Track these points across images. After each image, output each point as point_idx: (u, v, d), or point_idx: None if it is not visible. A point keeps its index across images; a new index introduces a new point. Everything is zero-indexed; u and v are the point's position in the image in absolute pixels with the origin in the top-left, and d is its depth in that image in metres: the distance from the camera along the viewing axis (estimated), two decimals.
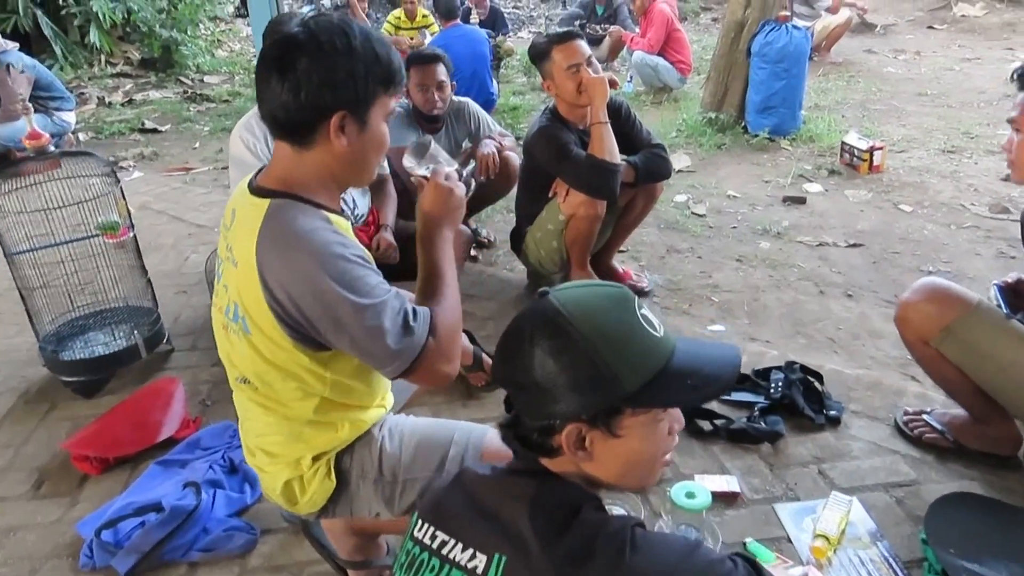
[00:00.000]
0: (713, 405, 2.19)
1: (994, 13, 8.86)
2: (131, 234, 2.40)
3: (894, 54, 7.61)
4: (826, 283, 3.07)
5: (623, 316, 0.91)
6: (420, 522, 0.96)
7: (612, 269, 2.98)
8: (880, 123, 5.26)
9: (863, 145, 4.31)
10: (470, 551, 0.88)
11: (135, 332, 2.44)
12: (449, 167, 1.42)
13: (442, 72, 2.97)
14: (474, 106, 3.17)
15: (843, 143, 4.45)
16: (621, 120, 2.66)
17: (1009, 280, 1.90)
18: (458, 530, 0.91)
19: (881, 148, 4.31)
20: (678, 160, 4.59)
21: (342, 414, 1.36)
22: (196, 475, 1.91)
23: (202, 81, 7.57)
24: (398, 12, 7.22)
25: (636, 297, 0.95)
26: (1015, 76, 1.67)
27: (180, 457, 2.01)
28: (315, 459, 1.36)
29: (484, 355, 2.32)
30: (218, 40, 9.25)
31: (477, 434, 1.43)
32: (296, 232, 1.19)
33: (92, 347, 2.41)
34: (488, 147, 2.97)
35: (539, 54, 2.60)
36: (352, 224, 2.62)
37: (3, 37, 4.83)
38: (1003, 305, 1.82)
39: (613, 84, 2.64)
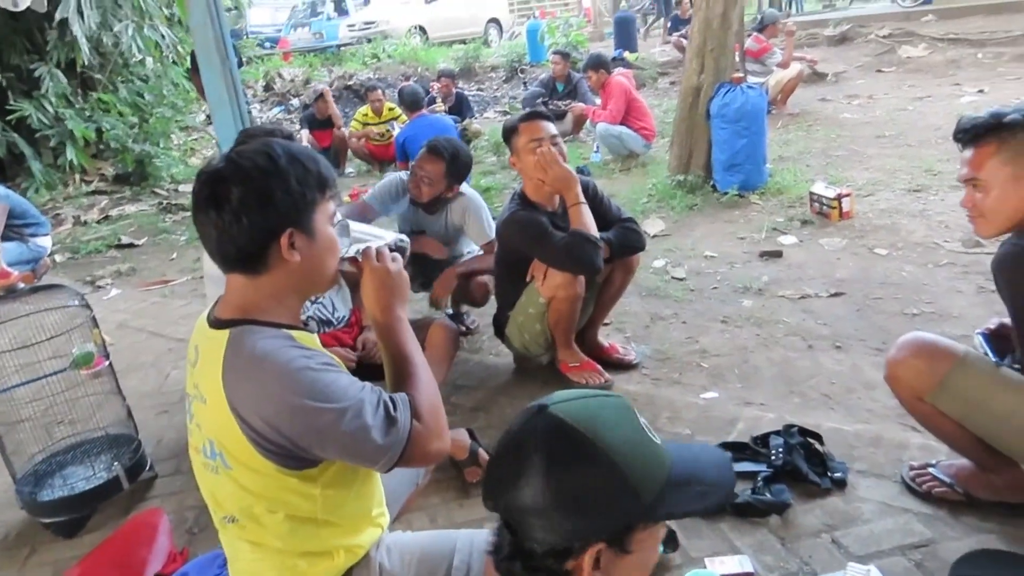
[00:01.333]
0: None
1: (937, 52, 9.24)
2: (106, 363, 2.35)
3: (848, 100, 7.87)
4: (813, 336, 3.07)
5: (631, 426, 0.90)
6: None
7: (598, 345, 2.96)
8: (844, 169, 5.38)
9: (831, 193, 4.39)
10: None
11: (116, 463, 2.36)
12: (379, 241, 1.39)
13: (434, 170, 2.99)
14: (473, 207, 3.11)
15: (811, 193, 4.54)
16: (590, 198, 2.69)
17: (992, 326, 1.90)
18: None
19: (849, 194, 4.39)
20: (652, 225, 4.65)
21: (336, 541, 1.31)
22: None
23: (176, 191, 7.64)
24: (365, 109, 7.43)
25: (630, 403, 0.93)
26: (957, 135, 1.70)
27: None
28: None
29: (480, 449, 2.27)
30: (191, 149, 9.40)
31: (479, 540, 1.37)
32: (259, 356, 1.18)
33: (71, 483, 2.32)
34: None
35: (508, 131, 2.68)
36: (334, 327, 2.66)
37: None
38: (990, 352, 1.81)
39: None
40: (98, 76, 7.87)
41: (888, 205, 4.52)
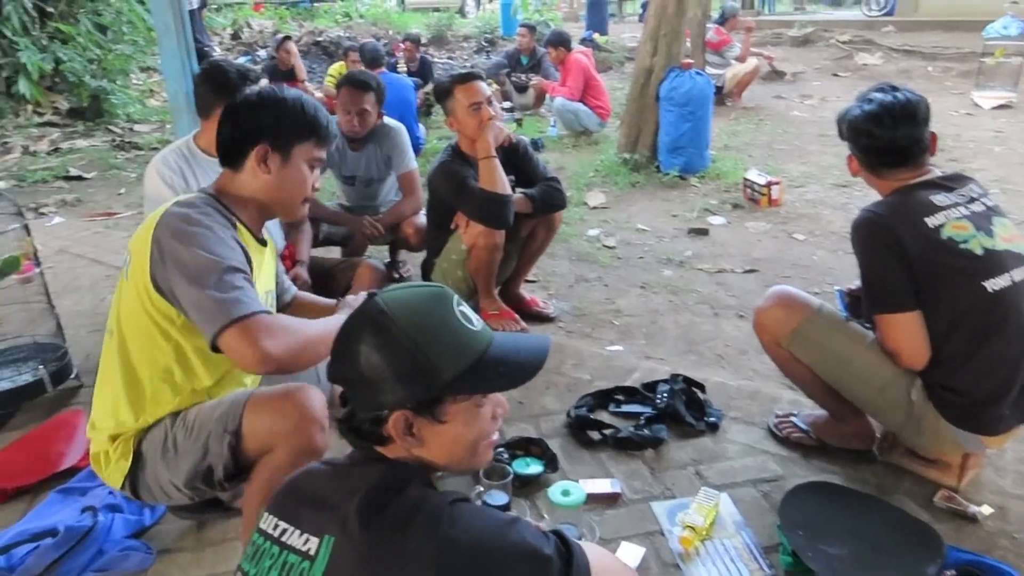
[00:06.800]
0: (603, 416, 2.34)
1: (891, 62, 9.59)
2: (36, 270, 2.43)
3: (801, 99, 8.14)
4: (721, 306, 3.29)
5: (441, 312, 1.01)
6: (266, 515, 1.02)
7: (520, 297, 3.13)
8: (783, 161, 5.63)
9: (762, 180, 4.63)
10: (304, 536, 0.95)
11: (41, 367, 2.46)
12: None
13: (367, 100, 3.10)
14: (401, 136, 3.25)
15: (745, 179, 4.76)
16: (519, 156, 2.84)
17: (852, 287, 2.11)
18: (295, 518, 0.98)
19: (779, 183, 4.63)
20: (593, 197, 4.84)
21: (169, 393, 1.52)
22: (95, 500, 1.94)
23: (132, 130, 7.57)
24: (339, 66, 7.35)
25: (455, 295, 1.05)
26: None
27: (80, 485, 2.04)
28: (114, 439, 1.53)
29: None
30: (151, 90, 9.27)
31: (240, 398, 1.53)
32: (199, 215, 1.45)
33: None
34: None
35: (443, 92, 2.78)
36: None
37: None
38: (843, 309, 2.02)
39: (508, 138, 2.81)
40: (57, 6, 7.70)
41: (815, 197, 4.77)
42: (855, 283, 2.13)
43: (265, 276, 1.66)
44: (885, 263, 1.77)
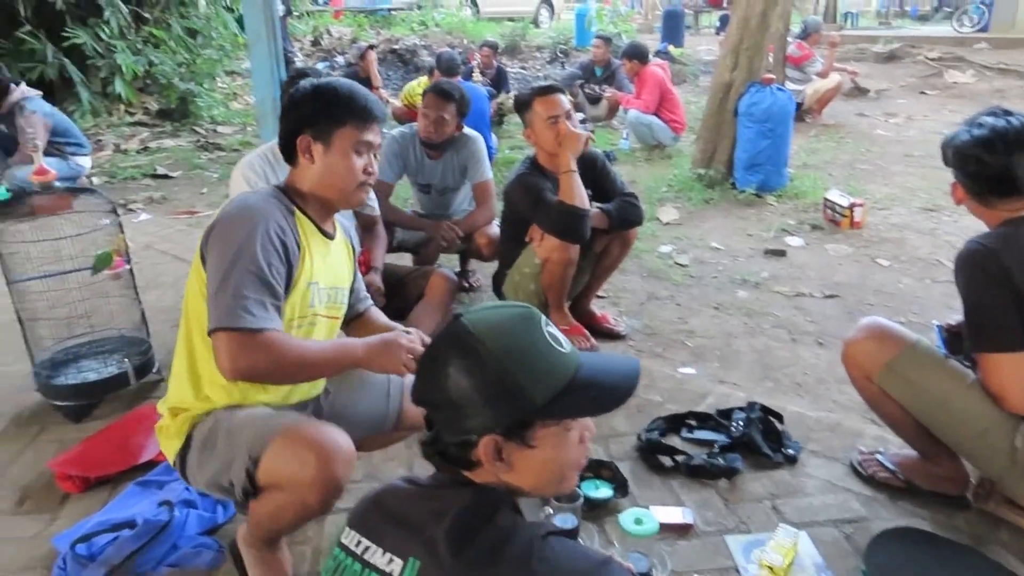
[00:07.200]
0: (675, 441, 2.27)
1: (984, 80, 9.14)
2: (127, 267, 2.53)
3: (885, 117, 7.84)
4: (799, 331, 3.16)
5: (530, 333, 0.98)
6: (348, 530, 1.01)
7: (590, 313, 3.08)
8: (865, 182, 5.41)
9: (844, 202, 4.45)
10: (388, 555, 0.94)
11: (126, 360, 2.55)
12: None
13: (447, 110, 3.13)
14: (478, 146, 3.27)
15: (825, 199, 4.60)
16: (596, 171, 2.80)
17: (951, 323, 1.99)
18: (379, 537, 0.96)
19: (862, 205, 4.45)
20: (666, 213, 4.75)
21: (221, 383, 1.52)
22: (172, 495, 1.99)
23: (215, 131, 7.85)
24: (424, 80, 7.34)
25: (542, 315, 1.02)
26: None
27: (158, 478, 2.09)
28: (175, 414, 1.56)
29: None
30: (234, 93, 9.62)
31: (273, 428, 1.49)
32: (253, 202, 1.50)
33: (84, 373, 2.52)
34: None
35: (522, 104, 2.78)
36: None
37: (28, 85, 5.10)
38: (942, 345, 1.91)
39: (586, 143, 2.77)
40: (152, 12, 8.08)
41: (900, 220, 4.56)
42: (955, 318, 2.02)
43: (331, 269, 1.65)
44: (992, 299, 1.66)
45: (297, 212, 1.57)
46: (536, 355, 0.97)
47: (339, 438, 1.44)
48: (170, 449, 1.60)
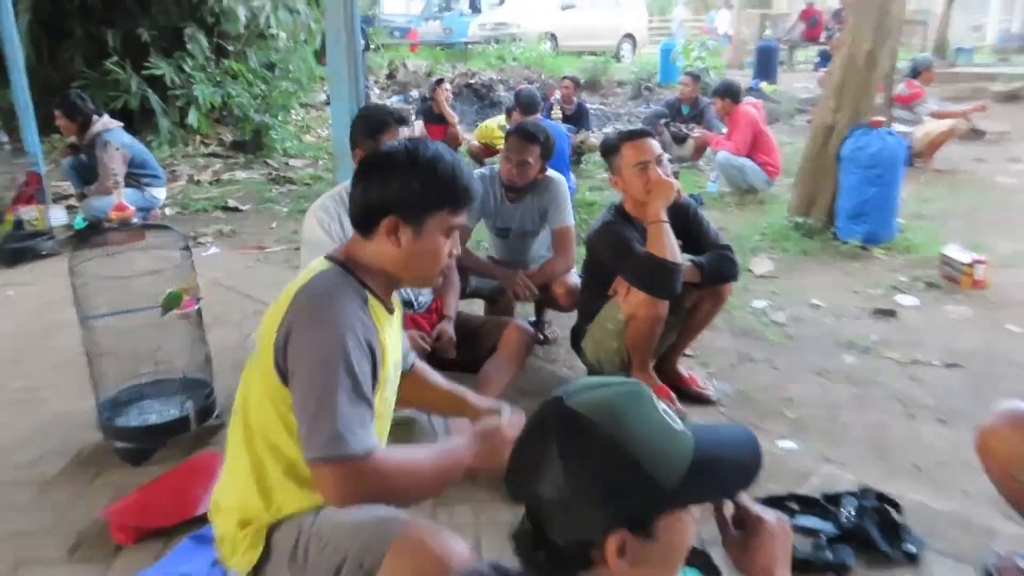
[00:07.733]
0: None
1: None
2: (195, 307, 2.58)
3: (1008, 162, 7.47)
4: (916, 405, 2.96)
5: (645, 413, 0.92)
6: None
7: (677, 374, 2.97)
8: (988, 235, 5.11)
9: (965, 258, 4.21)
10: None
11: (188, 403, 2.58)
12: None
13: (531, 152, 3.13)
14: (560, 189, 3.25)
15: (943, 255, 4.36)
16: (688, 220, 2.73)
17: None
18: None
19: (984, 262, 4.19)
20: (760, 264, 4.60)
21: (295, 489, 1.46)
22: None
23: (287, 164, 8.14)
24: (503, 120, 7.41)
25: (650, 390, 0.96)
26: None
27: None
28: (243, 525, 1.47)
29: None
30: (307, 126, 10.00)
31: (380, 538, 1.41)
32: (327, 291, 1.43)
33: (145, 415, 2.57)
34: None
35: (609, 149, 2.73)
36: (414, 310, 2.79)
37: (111, 115, 5.42)
38: None
39: (679, 193, 2.70)
40: (233, 45, 8.54)
41: None
42: None
43: (392, 346, 1.58)
44: None
45: (369, 297, 1.48)
46: (655, 437, 0.91)
47: (460, 547, 1.38)
48: (243, 564, 1.48)
